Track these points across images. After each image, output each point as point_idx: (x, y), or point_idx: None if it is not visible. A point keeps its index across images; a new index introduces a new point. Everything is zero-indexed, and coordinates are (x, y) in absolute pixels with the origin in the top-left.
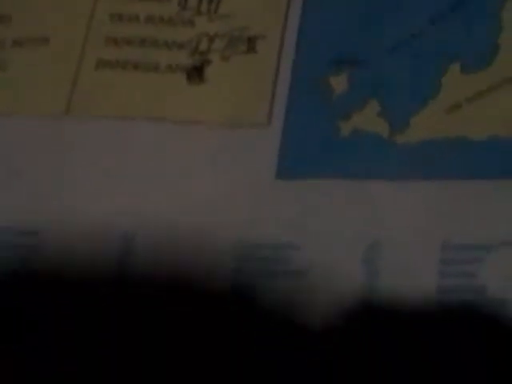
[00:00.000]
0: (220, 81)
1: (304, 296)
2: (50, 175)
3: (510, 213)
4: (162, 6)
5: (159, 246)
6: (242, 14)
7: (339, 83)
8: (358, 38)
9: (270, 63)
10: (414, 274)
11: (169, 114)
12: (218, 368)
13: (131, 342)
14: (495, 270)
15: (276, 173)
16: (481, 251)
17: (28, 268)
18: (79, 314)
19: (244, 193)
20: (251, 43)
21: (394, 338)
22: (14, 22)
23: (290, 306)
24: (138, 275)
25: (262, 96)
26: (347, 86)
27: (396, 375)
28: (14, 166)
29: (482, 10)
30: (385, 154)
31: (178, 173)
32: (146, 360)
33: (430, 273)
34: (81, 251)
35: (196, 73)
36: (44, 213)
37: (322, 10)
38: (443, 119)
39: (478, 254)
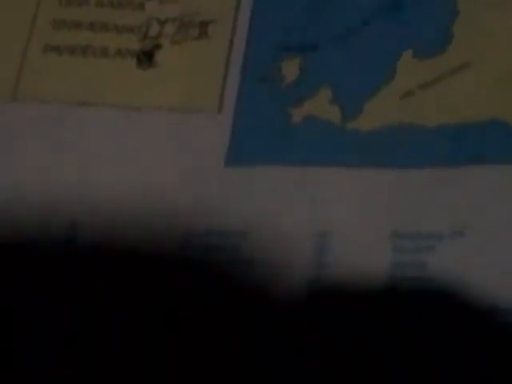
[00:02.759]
0: (170, 66)
1: (252, 284)
2: None
3: (462, 201)
4: None
5: (105, 230)
6: None
7: (291, 69)
8: (311, 24)
9: (222, 49)
10: (364, 262)
11: (118, 98)
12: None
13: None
14: (446, 259)
15: (225, 160)
16: (432, 240)
17: None
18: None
19: (193, 179)
20: (203, 28)
21: (342, 325)
22: None
23: (237, 294)
24: (83, 259)
25: (213, 82)
26: (299, 73)
27: (342, 356)
28: None
29: None
30: (336, 141)
31: (126, 159)
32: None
33: (381, 261)
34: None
35: (146, 57)
36: None
37: None
38: (396, 106)
39: (429, 243)
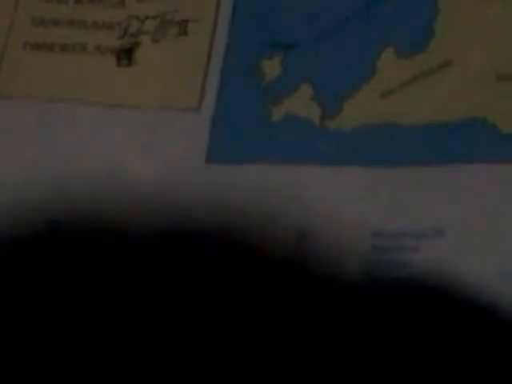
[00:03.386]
0: (150, 64)
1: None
2: None
3: (443, 200)
4: None
5: (83, 231)
6: None
7: (272, 67)
8: (292, 21)
9: (202, 46)
10: (344, 262)
11: (97, 96)
12: None
13: None
14: (427, 258)
15: (206, 158)
16: (413, 239)
17: None
18: None
19: (173, 178)
20: (183, 26)
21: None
22: None
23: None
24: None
25: (193, 80)
26: (280, 70)
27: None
28: None
29: None
30: (316, 139)
31: (104, 158)
32: None
33: (360, 261)
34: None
35: (125, 55)
36: None
37: None
38: (377, 104)
39: (410, 243)
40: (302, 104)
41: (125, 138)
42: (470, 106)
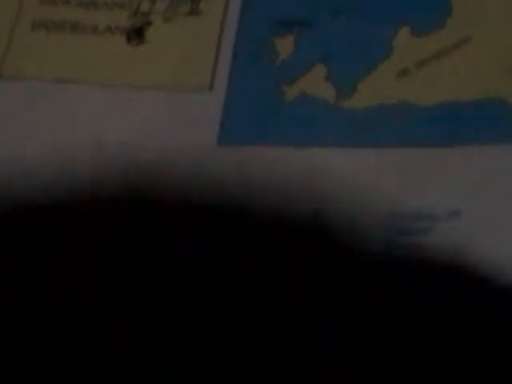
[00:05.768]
0: (161, 43)
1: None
2: None
3: (457, 182)
4: None
5: (92, 215)
6: None
7: (285, 46)
8: (305, 0)
9: (214, 25)
10: (359, 242)
11: (108, 76)
12: None
13: None
14: (442, 241)
15: (218, 139)
16: (429, 221)
17: None
18: None
19: (185, 158)
20: (194, 4)
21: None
22: None
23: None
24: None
25: (205, 59)
26: (293, 49)
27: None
28: None
29: None
30: (331, 119)
31: (116, 137)
32: None
33: (376, 241)
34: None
35: (136, 34)
36: None
37: None
38: (392, 84)
39: (425, 224)
40: (316, 84)
41: (136, 118)
42: (487, 86)
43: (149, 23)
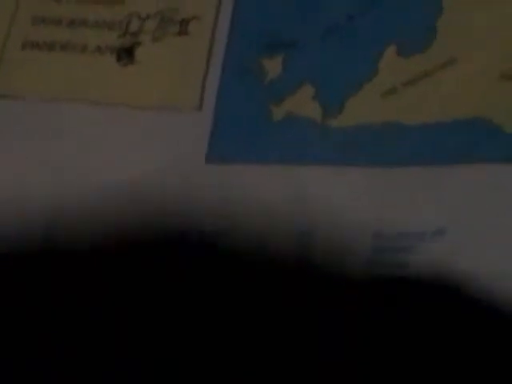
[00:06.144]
0: (151, 62)
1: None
2: None
3: (443, 200)
4: None
5: (82, 231)
6: None
7: (273, 66)
8: (293, 21)
9: (203, 46)
10: (345, 262)
11: (98, 95)
12: None
13: None
14: (427, 259)
15: (206, 157)
16: (413, 239)
17: None
18: None
19: (173, 178)
20: (183, 25)
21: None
22: None
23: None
24: (60, 255)
25: (194, 79)
26: (281, 69)
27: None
28: None
29: None
30: (318, 138)
31: (104, 157)
32: None
33: (362, 260)
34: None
35: (126, 54)
36: None
37: None
38: (378, 104)
39: (411, 243)
40: (303, 103)
41: (125, 137)
42: (472, 106)
43: (138, 43)
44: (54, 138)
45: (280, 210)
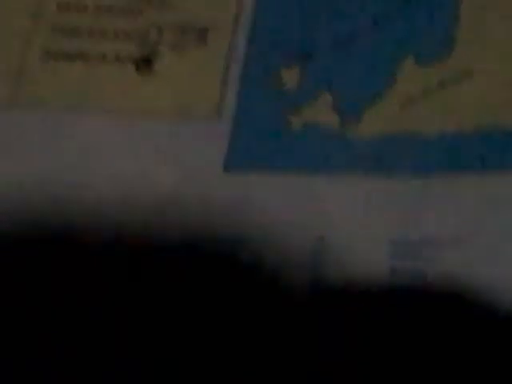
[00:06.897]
0: (170, 72)
1: (253, 287)
2: None
3: (460, 211)
4: None
5: (97, 239)
6: (193, 5)
7: (291, 76)
8: (311, 30)
9: (221, 56)
10: (363, 268)
11: (117, 105)
12: None
13: None
14: (445, 268)
15: (224, 166)
16: (431, 249)
17: None
18: None
19: (192, 186)
20: (202, 35)
21: (341, 326)
22: None
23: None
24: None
25: (212, 88)
26: (299, 79)
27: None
28: None
29: (439, 2)
30: (335, 148)
31: (124, 166)
32: None
33: (380, 268)
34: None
35: (145, 64)
36: None
37: (275, 2)
38: (396, 113)
39: (428, 252)
40: (321, 113)
41: (144, 147)
42: (490, 116)
43: (157, 53)
44: (73, 148)
45: (297, 219)
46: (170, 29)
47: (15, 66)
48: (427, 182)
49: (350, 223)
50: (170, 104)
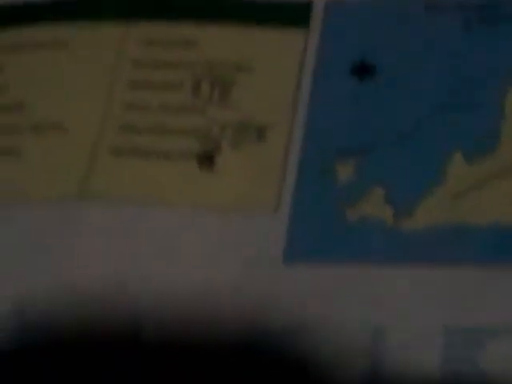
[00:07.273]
0: (230, 168)
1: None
2: (61, 258)
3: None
4: (174, 93)
5: (170, 327)
6: (252, 103)
7: (345, 171)
8: (364, 128)
9: (279, 152)
10: (416, 359)
11: (180, 200)
12: None
13: None
14: (497, 356)
15: (283, 258)
16: (484, 336)
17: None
18: None
19: (251, 277)
20: (261, 132)
21: None
22: (27, 109)
23: None
24: (148, 355)
25: (271, 183)
26: (353, 173)
27: None
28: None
29: (483, 98)
30: (389, 240)
31: (188, 258)
32: None
33: (433, 357)
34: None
35: (207, 160)
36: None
37: (329, 100)
38: (447, 206)
39: (481, 339)
40: (375, 206)
41: (205, 239)
42: None
43: (218, 149)
44: (139, 240)
45: (354, 310)
46: (231, 126)
47: (84, 164)
48: (480, 269)
49: (405, 314)
50: (230, 199)
